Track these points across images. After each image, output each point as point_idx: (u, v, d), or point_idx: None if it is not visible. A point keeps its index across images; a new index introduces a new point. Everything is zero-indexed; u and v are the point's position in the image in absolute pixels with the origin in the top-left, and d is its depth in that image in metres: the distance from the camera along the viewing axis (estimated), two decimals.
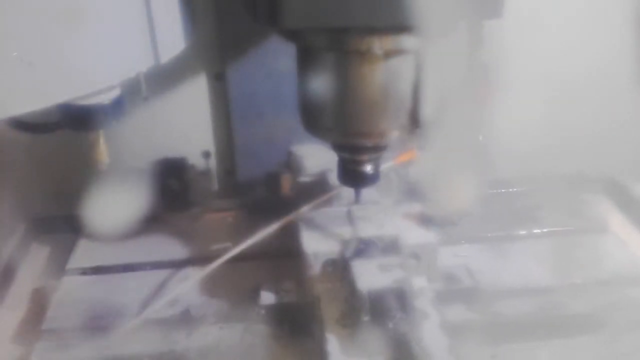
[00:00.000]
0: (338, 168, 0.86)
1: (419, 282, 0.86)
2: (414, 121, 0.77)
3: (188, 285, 0.94)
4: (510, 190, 1.17)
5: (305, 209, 0.97)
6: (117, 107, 0.78)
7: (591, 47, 1.08)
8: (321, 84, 0.76)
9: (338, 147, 0.83)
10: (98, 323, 0.90)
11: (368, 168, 0.83)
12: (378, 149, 0.81)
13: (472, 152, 0.83)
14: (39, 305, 0.97)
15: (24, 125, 0.83)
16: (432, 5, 0.62)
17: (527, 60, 1.05)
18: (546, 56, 1.08)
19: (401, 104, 0.75)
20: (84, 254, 1.05)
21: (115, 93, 0.77)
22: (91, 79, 0.70)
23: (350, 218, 0.95)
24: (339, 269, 0.89)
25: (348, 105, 0.75)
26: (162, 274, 1.00)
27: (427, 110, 0.76)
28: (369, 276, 0.85)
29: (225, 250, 0.94)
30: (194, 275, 0.95)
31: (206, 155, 1.12)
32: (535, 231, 1.06)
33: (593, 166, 1.15)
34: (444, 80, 0.75)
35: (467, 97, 0.77)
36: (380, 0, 0.64)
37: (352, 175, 0.84)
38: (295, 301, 0.91)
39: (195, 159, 1.11)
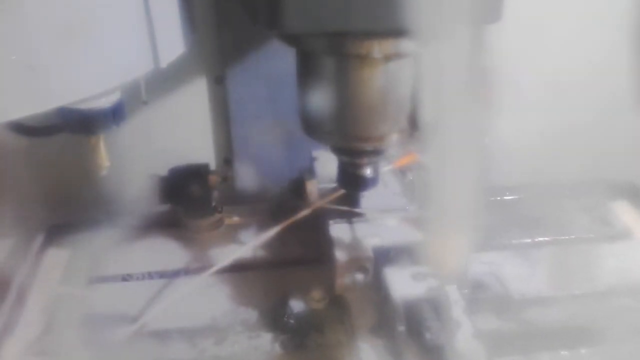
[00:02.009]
0: (337, 172, 0.85)
1: (452, 291, 0.83)
2: (414, 125, 0.76)
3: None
4: (530, 196, 1.15)
5: (304, 212, 0.96)
6: (117, 111, 0.77)
7: (593, 50, 1.09)
8: (321, 87, 0.75)
9: (337, 151, 0.83)
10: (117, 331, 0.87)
11: (367, 171, 0.82)
12: (377, 152, 0.81)
13: (475, 156, 0.81)
14: (60, 313, 0.94)
15: (24, 128, 0.82)
16: (431, 9, 0.61)
17: (529, 64, 1.06)
18: (548, 59, 1.08)
19: (401, 107, 0.75)
20: (103, 262, 1.02)
21: (115, 97, 0.76)
22: (91, 83, 0.68)
23: (376, 225, 0.93)
24: (371, 277, 0.87)
25: (347, 109, 0.74)
26: (183, 281, 0.97)
27: (427, 114, 0.73)
28: (403, 285, 0.83)
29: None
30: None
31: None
32: (560, 238, 1.04)
33: (597, 171, 1.14)
34: (444, 84, 0.72)
35: (468, 100, 0.74)
36: (379, 4, 0.64)
37: (351, 179, 0.84)
38: (325, 310, 0.89)
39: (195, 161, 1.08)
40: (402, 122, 0.76)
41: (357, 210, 0.95)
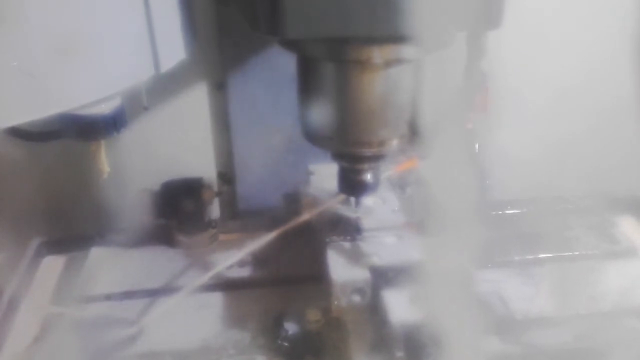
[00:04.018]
0: (338, 177, 0.83)
1: None
2: (414, 130, 0.75)
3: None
4: (533, 210, 1.10)
5: (301, 219, 0.92)
6: (118, 117, 0.74)
7: (594, 57, 1.05)
8: (321, 93, 0.74)
9: (338, 156, 0.81)
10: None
11: (368, 177, 0.81)
12: (378, 157, 0.79)
13: (469, 163, 0.78)
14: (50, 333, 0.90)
15: (24, 134, 0.80)
16: (431, 16, 0.60)
17: (529, 71, 1.03)
18: (548, 66, 1.04)
19: (401, 113, 0.74)
20: (95, 279, 0.97)
21: (115, 102, 0.73)
22: (91, 89, 0.67)
23: (374, 244, 0.88)
24: (369, 299, 0.82)
25: (348, 114, 0.73)
26: (174, 299, 0.92)
27: (427, 119, 0.72)
28: (402, 308, 0.78)
29: None
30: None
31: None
32: (564, 254, 1.00)
33: (599, 181, 1.09)
34: (444, 89, 0.72)
35: (466, 106, 0.75)
36: (380, 10, 0.62)
37: (352, 184, 0.82)
38: (320, 332, 0.84)
39: (195, 168, 1.06)
40: (402, 127, 0.75)
41: (353, 215, 0.91)
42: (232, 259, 0.91)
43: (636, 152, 1.08)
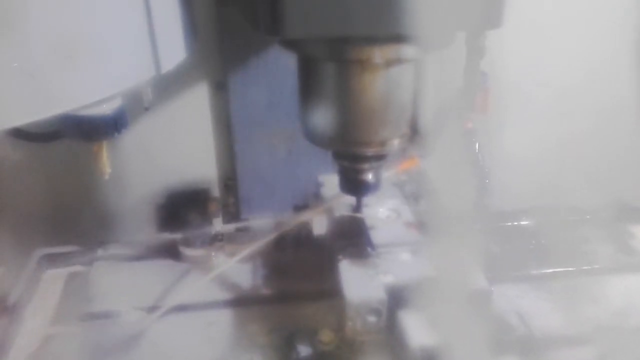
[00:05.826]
0: (339, 177, 0.81)
1: None
2: (415, 130, 0.73)
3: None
4: (548, 221, 1.05)
5: (301, 219, 0.90)
6: (119, 117, 0.72)
7: (596, 57, 1.02)
8: (322, 93, 0.72)
9: (339, 156, 0.78)
10: None
11: (369, 176, 0.79)
12: (379, 157, 0.77)
13: (469, 162, 0.79)
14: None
15: (26, 135, 0.78)
16: (432, 15, 0.58)
17: (531, 71, 1.00)
18: (551, 67, 1.02)
19: (402, 112, 0.72)
20: (98, 294, 0.93)
21: (116, 103, 0.71)
22: (92, 89, 0.65)
23: (389, 260, 0.84)
24: (384, 319, 0.77)
25: (349, 114, 0.71)
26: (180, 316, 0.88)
27: (428, 119, 0.72)
28: (420, 329, 0.73)
29: None
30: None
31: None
32: (582, 268, 0.95)
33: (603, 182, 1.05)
34: (444, 89, 0.72)
35: (466, 105, 0.73)
36: (380, 10, 0.61)
37: (353, 184, 0.80)
38: (333, 354, 0.80)
39: (196, 170, 1.04)
40: (403, 127, 0.73)
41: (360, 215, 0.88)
42: (232, 260, 0.88)
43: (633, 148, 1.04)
